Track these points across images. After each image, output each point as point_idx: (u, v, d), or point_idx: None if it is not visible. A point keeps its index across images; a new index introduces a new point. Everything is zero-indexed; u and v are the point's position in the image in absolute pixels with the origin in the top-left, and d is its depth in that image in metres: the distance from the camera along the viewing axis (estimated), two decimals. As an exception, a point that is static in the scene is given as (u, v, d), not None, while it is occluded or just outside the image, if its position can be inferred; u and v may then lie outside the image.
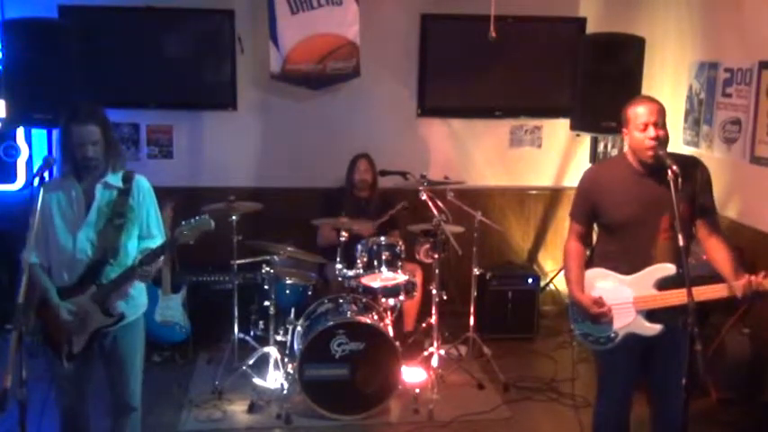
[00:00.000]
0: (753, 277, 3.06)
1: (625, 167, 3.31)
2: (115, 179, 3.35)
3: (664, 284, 3.20)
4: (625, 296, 3.27)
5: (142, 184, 3.41)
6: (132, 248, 3.37)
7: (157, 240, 3.40)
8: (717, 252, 3.25)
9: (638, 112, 3.18)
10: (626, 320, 3.27)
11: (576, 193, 3.49)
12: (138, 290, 3.45)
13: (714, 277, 3.22)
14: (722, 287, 3.12)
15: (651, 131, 3.14)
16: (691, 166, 3.23)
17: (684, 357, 2.85)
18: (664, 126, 3.18)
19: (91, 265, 3.28)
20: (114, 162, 3.35)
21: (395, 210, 5.29)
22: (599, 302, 3.29)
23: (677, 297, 3.10)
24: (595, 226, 3.48)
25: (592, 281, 3.36)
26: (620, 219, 3.28)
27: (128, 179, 3.37)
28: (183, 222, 3.32)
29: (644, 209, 3.23)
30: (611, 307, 3.28)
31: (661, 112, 3.19)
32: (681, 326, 3.08)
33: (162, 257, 3.33)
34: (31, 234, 2.95)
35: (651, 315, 3.24)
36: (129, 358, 3.44)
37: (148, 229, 3.42)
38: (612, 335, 3.31)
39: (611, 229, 3.34)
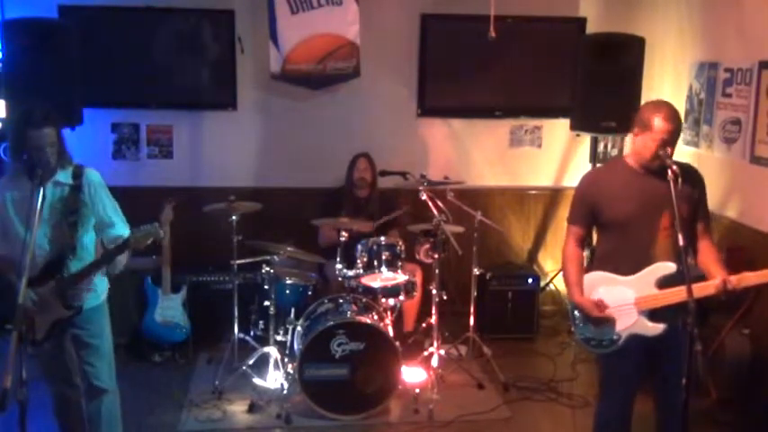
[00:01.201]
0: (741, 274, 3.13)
1: (623, 168, 3.33)
2: (65, 176, 3.40)
3: (665, 283, 3.20)
4: (626, 297, 3.27)
5: (92, 177, 3.46)
6: (89, 242, 3.44)
7: (119, 227, 3.45)
8: (706, 254, 3.31)
9: (664, 128, 3.14)
10: (629, 322, 3.27)
11: (575, 197, 3.49)
12: (98, 278, 3.50)
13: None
14: (719, 282, 3.13)
15: (668, 151, 3.15)
16: (689, 173, 3.26)
17: (685, 357, 2.86)
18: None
19: (51, 260, 3.34)
20: (63, 161, 3.40)
21: (394, 215, 5.29)
22: (600, 305, 3.29)
23: (678, 295, 3.10)
24: (594, 229, 3.48)
25: (592, 284, 3.36)
26: (621, 217, 3.29)
27: (77, 175, 3.42)
28: (134, 229, 3.37)
29: (643, 206, 3.24)
30: (613, 309, 3.28)
31: (680, 131, 3.22)
32: (681, 325, 3.08)
33: (126, 253, 3.38)
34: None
35: (653, 315, 3.24)
36: (94, 341, 3.51)
37: (108, 219, 3.47)
38: (615, 337, 3.30)
39: (611, 228, 3.35)
